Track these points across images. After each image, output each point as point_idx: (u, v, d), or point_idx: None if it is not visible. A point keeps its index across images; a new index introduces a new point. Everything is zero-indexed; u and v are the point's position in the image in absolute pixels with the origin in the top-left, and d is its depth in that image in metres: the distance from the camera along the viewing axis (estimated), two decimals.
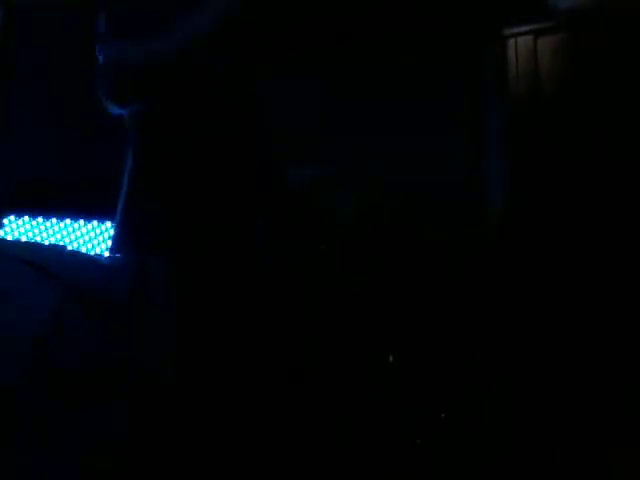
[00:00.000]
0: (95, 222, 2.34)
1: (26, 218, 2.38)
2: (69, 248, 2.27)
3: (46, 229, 2.35)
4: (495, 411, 1.96)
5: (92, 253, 2.27)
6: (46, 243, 2.32)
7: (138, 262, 1.17)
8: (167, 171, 1.25)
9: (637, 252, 1.84)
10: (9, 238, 2.33)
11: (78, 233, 2.32)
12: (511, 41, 2.13)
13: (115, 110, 1.35)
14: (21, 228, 2.36)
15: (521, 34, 2.11)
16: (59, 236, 2.33)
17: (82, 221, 2.35)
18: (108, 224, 2.34)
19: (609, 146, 1.96)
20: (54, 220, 2.36)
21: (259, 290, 1.28)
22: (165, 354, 1.11)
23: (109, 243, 2.31)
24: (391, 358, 2.23)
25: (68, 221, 2.35)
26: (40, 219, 2.37)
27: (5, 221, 2.40)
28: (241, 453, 1.20)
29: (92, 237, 2.31)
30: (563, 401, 1.83)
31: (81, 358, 1.35)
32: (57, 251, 2.16)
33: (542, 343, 1.92)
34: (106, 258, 2.08)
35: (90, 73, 1.30)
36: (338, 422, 2.01)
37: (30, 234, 2.35)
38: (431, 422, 2.01)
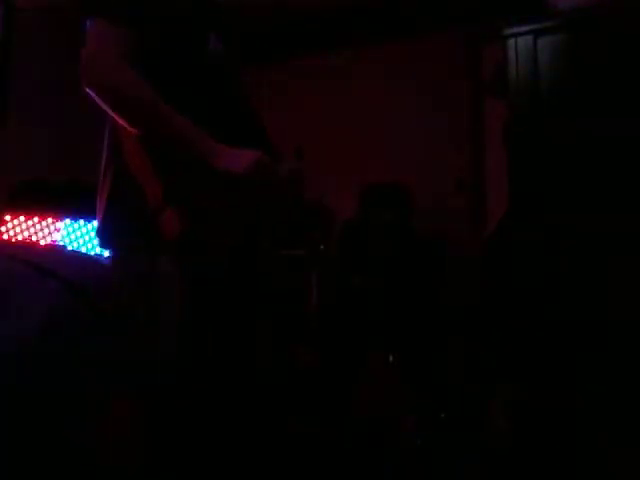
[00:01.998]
0: (95, 222, 2.34)
1: (25, 218, 2.38)
2: (69, 248, 2.27)
3: (44, 229, 2.34)
4: (495, 411, 1.96)
5: (92, 253, 2.27)
6: (45, 243, 2.32)
7: (139, 261, 1.16)
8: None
9: (637, 250, 1.84)
10: (8, 238, 2.33)
11: (78, 233, 2.32)
12: (511, 41, 2.13)
13: None
14: (20, 228, 2.36)
15: (521, 34, 2.11)
16: (59, 236, 2.32)
17: (82, 221, 2.35)
18: None
19: (608, 145, 1.96)
20: (53, 220, 2.36)
21: (260, 290, 1.28)
22: (166, 354, 1.11)
23: None
24: (391, 358, 2.24)
25: (68, 221, 2.35)
26: (38, 219, 2.36)
27: (4, 221, 2.40)
28: (246, 451, 1.20)
29: (92, 237, 2.31)
30: (563, 401, 1.83)
31: (81, 357, 1.35)
32: (57, 251, 2.16)
33: (542, 343, 1.92)
34: (106, 258, 2.08)
35: None
36: (338, 421, 2.01)
37: (29, 234, 2.34)
38: (431, 422, 2.01)
